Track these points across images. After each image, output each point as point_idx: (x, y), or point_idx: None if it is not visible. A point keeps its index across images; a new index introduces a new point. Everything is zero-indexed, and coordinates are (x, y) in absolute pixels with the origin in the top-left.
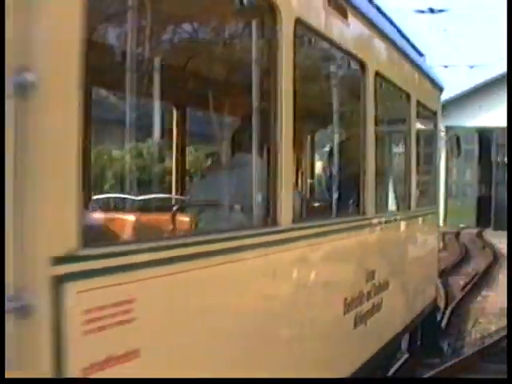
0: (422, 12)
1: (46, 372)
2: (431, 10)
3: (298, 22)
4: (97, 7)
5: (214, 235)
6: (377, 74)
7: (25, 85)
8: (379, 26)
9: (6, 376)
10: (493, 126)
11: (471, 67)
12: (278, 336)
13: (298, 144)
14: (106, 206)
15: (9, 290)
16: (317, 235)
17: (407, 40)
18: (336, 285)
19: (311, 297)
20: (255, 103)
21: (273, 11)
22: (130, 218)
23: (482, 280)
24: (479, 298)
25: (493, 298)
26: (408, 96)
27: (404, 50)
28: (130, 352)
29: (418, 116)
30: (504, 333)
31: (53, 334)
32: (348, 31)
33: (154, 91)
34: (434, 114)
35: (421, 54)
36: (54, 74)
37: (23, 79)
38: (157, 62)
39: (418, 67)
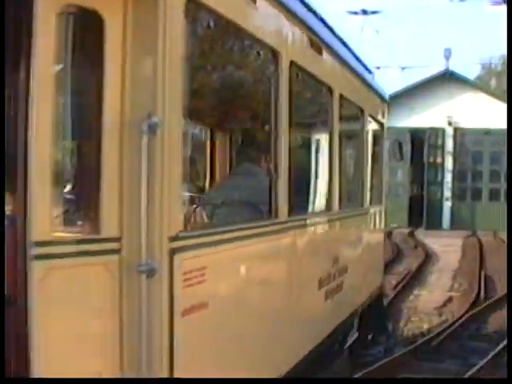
0: (355, 13)
1: (166, 309)
2: (364, 12)
3: (292, 63)
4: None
5: (248, 224)
6: (340, 96)
7: (153, 125)
8: (341, 56)
9: None
10: (425, 127)
11: (403, 69)
12: (278, 293)
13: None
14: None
15: (142, 258)
16: (303, 226)
17: (360, 62)
18: (314, 264)
19: (301, 268)
20: (262, 124)
21: (275, 56)
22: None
23: (414, 279)
24: (411, 297)
25: (425, 296)
26: (362, 111)
27: (360, 73)
28: (202, 304)
29: (370, 127)
30: (436, 331)
31: (168, 288)
32: (321, 65)
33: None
34: (381, 124)
35: (370, 72)
36: (169, 116)
37: (152, 121)
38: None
39: (370, 86)
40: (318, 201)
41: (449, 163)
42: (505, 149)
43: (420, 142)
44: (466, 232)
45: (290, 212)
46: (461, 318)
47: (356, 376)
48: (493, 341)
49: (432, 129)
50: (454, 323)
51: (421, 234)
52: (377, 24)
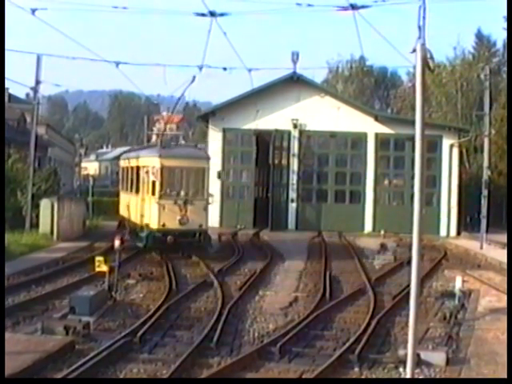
0: (203, 15)
1: None
2: (212, 14)
3: None
4: None
5: None
6: None
7: None
8: None
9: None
10: (271, 129)
11: (250, 70)
12: None
13: None
14: None
15: None
16: None
17: None
18: None
19: None
20: None
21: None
22: None
23: (260, 280)
24: (257, 298)
25: (270, 297)
26: None
27: None
28: None
29: None
30: (283, 331)
31: None
32: None
33: None
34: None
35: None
36: None
37: None
38: None
39: None
40: None
41: (294, 165)
42: (348, 151)
43: (265, 143)
44: (311, 233)
45: None
46: (307, 318)
47: (202, 376)
48: (339, 340)
49: (278, 131)
50: (299, 323)
51: (266, 235)
52: (225, 26)
